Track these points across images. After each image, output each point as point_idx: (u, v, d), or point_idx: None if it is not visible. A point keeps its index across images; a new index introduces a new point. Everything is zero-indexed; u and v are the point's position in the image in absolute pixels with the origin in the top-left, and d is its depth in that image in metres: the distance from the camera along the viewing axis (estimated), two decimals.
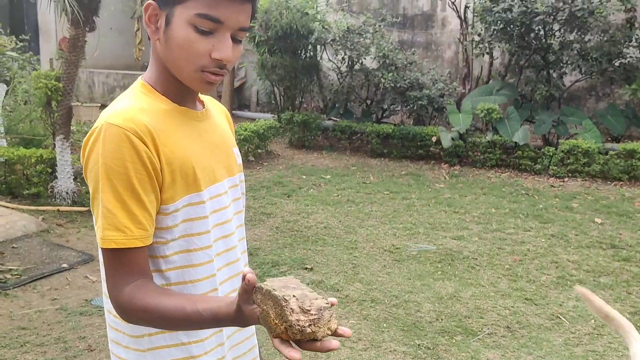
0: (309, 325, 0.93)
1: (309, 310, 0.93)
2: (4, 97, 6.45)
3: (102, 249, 1.12)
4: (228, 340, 1.30)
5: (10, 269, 4.21)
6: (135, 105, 1.15)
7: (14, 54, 7.26)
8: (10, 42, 7.57)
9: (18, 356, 3.18)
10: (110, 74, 12.04)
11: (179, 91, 1.21)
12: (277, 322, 0.94)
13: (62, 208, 5.40)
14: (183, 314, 1.06)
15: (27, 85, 6.43)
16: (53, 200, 5.52)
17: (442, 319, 3.74)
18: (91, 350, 3.28)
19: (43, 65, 9.80)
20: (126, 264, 1.11)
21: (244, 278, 0.97)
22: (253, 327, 1.39)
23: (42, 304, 3.81)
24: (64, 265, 4.37)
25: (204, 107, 1.30)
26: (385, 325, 3.66)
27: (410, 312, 3.84)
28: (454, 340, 3.50)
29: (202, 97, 1.33)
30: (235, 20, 1.12)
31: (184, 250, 1.19)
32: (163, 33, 1.14)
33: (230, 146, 1.34)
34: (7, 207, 5.32)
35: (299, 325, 0.92)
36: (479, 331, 3.61)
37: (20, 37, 8.08)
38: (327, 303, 0.97)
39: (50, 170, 5.51)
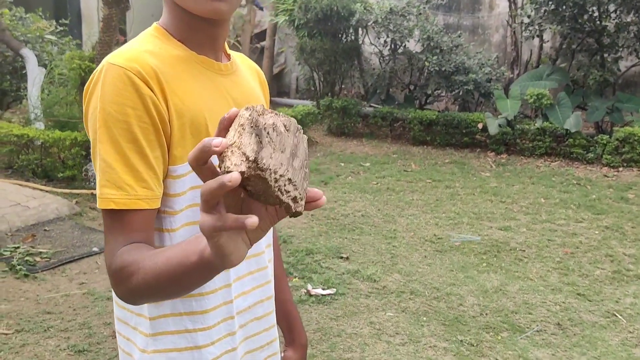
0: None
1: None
2: (43, 80, 6.43)
3: (102, 210, 0.95)
4: (241, 330, 1.11)
5: (40, 252, 4.13)
6: (146, 47, 1.00)
7: (53, 37, 7.25)
8: (50, 26, 7.58)
9: (41, 341, 3.08)
10: None
11: (197, 36, 1.04)
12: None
13: (96, 191, 5.32)
14: (176, 264, 0.83)
15: (63, 68, 6.38)
16: (87, 183, 5.46)
17: (486, 314, 3.52)
18: (115, 337, 3.15)
19: (86, 50, 9.81)
20: (126, 228, 0.93)
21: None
22: (273, 319, 1.20)
23: (69, 288, 3.71)
24: (95, 248, 4.28)
25: (229, 61, 1.13)
26: (425, 319, 3.45)
27: (453, 305, 3.61)
28: (499, 337, 3.26)
29: (232, 52, 1.16)
30: None
31: (191, 222, 1.01)
32: None
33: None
34: (41, 190, 5.27)
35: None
36: (527, 328, 3.37)
37: (60, 21, 8.08)
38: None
39: (84, 153, 5.45)
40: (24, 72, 6.75)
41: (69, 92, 5.93)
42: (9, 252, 4.06)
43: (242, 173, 0.63)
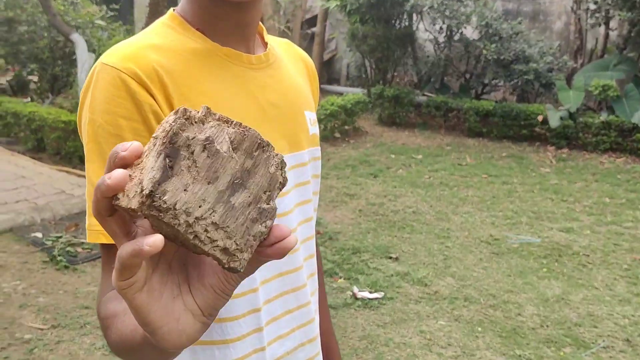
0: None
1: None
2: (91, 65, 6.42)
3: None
4: (268, 327, 0.90)
5: (82, 242, 4.06)
6: (148, 40, 0.81)
7: (102, 22, 7.24)
8: (100, 11, 7.58)
9: (76, 338, 2.98)
10: None
11: (222, 24, 0.85)
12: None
13: None
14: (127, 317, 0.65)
15: None
16: None
17: (547, 326, 3.26)
18: None
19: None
20: (110, 265, 0.73)
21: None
22: (312, 309, 0.97)
23: None
24: None
25: (266, 51, 0.92)
26: (479, 329, 3.20)
27: (510, 315, 3.36)
28: (561, 353, 3.01)
29: (272, 39, 0.97)
30: None
31: None
32: None
33: (301, 108, 0.95)
34: None
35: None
36: (592, 343, 3.09)
37: (111, 6, 8.09)
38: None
39: None
40: (74, 57, 6.76)
41: None
42: (50, 242, 4.00)
43: (132, 210, 0.44)
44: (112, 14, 7.91)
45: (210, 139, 0.46)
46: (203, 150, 0.46)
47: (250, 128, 0.49)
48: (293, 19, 9.79)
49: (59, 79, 7.34)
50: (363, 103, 7.75)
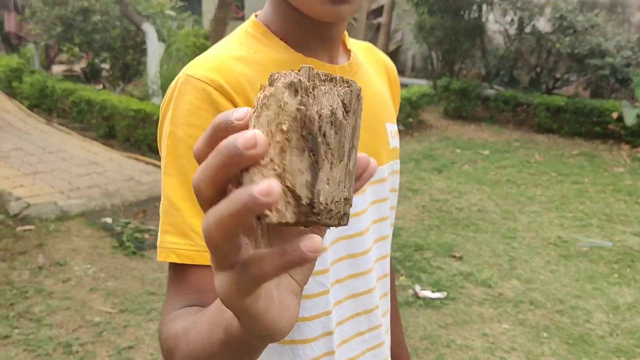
0: None
1: None
2: (162, 55, 6.58)
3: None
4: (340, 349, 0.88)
5: (149, 229, 4.18)
6: (236, 52, 0.79)
7: (172, 13, 7.41)
8: (170, 1, 7.76)
9: (142, 323, 3.08)
10: None
11: (305, 33, 0.82)
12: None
13: None
14: (194, 331, 0.60)
15: (180, 44, 6.49)
16: None
17: (617, 335, 3.13)
18: None
19: (205, 26, 10.03)
20: (187, 287, 0.72)
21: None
22: (383, 331, 0.94)
23: None
24: None
25: (349, 60, 0.89)
26: (545, 334, 3.11)
27: (578, 322, 3.25)
28: None
29: (356, 45, 0.95)
30: None
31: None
32: None
33: (382, 121, 0.92)
34: (156, 165, 5.38)
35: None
36: None
37: None
38: None
39: None
40: (144, 46, 6.96)
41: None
42: (120, 228, 4.14)
43: (284, 224, 0.38)
44: (181, 4, 8.08)
45: (334, 110, 0.40)
46: (331, 128, 0.40)
47: (349, 80, 0.42)
48: (359, 9, 9.74)
49: (130, 67, 7.57)
50: (428, 96, 7.67)
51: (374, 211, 0.89)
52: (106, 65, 8.32)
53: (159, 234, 0.75)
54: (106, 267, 3.67)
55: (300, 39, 0.82)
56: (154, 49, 6.46)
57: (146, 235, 4.12)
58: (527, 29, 8.04)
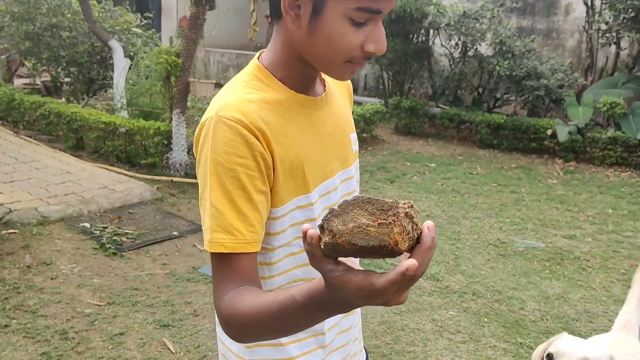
0: (412, 207, 0.75)
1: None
2: (128, 71, 6.83)
3: (210, 253, 1.01)
4: (331, 344, 1.21)
5: (127, 233, 4.47)
6: (249, 95, 1.05)
7: (138, 30, 7.67)
8: (136, 19, 8.01)
9: (130, 314, 3.38)
10: (225, 53, 12.45)
11: (302, 78, 1.10)
12: (379, 220, 0.73)
13: (175, 179, 5.68)
14: (278, 303, 0.88)
15: (148, 61, 6.76)
16: (167, 170, 5.80)
17: (547, 320, 3.58)
18: (196, 316, 3.43)
19: (163, 42, 10.30)
20: (234, 270, 0.99)
21: (304, 236, 0.77)
22: (359, 331, 1.31)
23: (153, 268, 4.02)
24: (175, 233, 4.59)
25: (325, 90, 1.16)
26: (485, 320, 3.55)
27: (514, 309, 3.70)
28: None
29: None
30: (390, 7, 0.99)
31: (289, 255, 1.11)
32: (308, 23, 1.00)
33: (347, 132, 1.21)
34: (126, 175, 5.65)
35: (406, 205, 0.74)
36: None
37: (145, 14, 8.52)
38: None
39: (166, 142, 5.79)
40: (111, 62, 7.19)
41: (153, 84, 6.31)
42: (98, 231, 4.42)
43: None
44: (146, 22, 8.34)
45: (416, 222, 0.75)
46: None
47: (413, 205, 0.75)
48: None
49: (95, 81, 7.76)
50: (381, 113, 8.07)
51: (344, 197, 1.20)
52: (68, 79, 8.46)
53: (208, 234, 0.99)
54: (90, 266, 3.95)
55: (295, 80, 1.09)
56: (122, 65, 6.72)
57: (124, 238, 4.41)
58: (470, 53, 8.51)
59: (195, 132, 1.06)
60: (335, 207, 0.75)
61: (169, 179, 5.70)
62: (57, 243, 4.23)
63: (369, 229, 0.73)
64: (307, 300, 0.84)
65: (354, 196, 0.76)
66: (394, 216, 0.73)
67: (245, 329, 0.94)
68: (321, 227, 0.75)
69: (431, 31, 8.85)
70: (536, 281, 4.09)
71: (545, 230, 5.05)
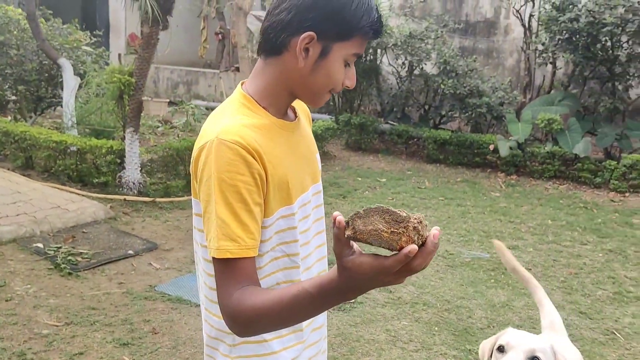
0: (420, 223, 0.95)
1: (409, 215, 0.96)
2: (78, 89, 6.78)
3: (215, 259, 1.15)
4: (307, 339, 1.37)
5: (81, 252, 4.46)
6: (242, 121, 1.20)
7: (88, 48, 7.63)
8: (85, 37, 7.96)
9: (88, 334, 3.40)
10: (175, 70, 12.43)
11: (284, 105, 1.30)
12: (392, 229, 0.93)
13: (128, 197, 5.67)
14: (290, 296, 1.06)
15: (100, 79, 6.75)
16: (120, 189, 5.79)
17: (493, 326, 3.76)
18: (155, 333, 3.47)
19: (112, 60, 10.22)
20: (238, 272, 1.14)
21: (334, 222, 0.97)
22: (325, 329, 1.46)
23: (109, 287, 4.03)
24: (130, 251, 4.60)
25: (296, 116, 1.36)
26: (436, 328, 3.72)
27: (462, 317, 3.87)
28: None
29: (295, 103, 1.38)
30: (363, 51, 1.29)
31: (273, 259, 1.26)
32: (313, 62, 1.21)
33: (314, 152, 1.40)
34: (79, 194, 5.61)
35: (416, 220, 0.94)
36: None
37: (94, 32, 8.48)
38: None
39: (119, 161, 5.79)
40: (60, 80, 7.11)
41: (105, 102, 6.29)
42: (52, 252, 4.39)
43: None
44: (95, 39, 8.29)
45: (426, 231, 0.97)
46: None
47: (420, 218, 0.96)
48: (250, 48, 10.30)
49: (44, 99, 7.66)
50: (332, 129, 8.27)
51: (316, 213, 1.39)
52: (14, 97, 8.31)
53: (215, 242, 1.13)
54: (45, 286, 3.93)
55: (277, 108, 1.27)
56: (72, 84, 6.67)
57: (79, 258, 4.39)
58: (417, 72, 8.82)
59: (194, 154, 1.21)
60: (361, 210, 0.97)
61: (122, 197, 5.69)
62: (10, 264, 4.18)
63: (383, 234, 0.94)
64: (319, 290, 1.04)
65: (377, 205, 0.97)
66: (404, 228, 0.94)
67: (253, 322, 1.11)
68: (347, 223, 0.97)
69: (379, 51, 9.12)
70: (482, 290, 4.29)
71: (489, 241, 5.27)
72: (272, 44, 1.23)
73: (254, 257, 1.17)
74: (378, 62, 9.25)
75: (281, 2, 1.22)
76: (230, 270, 1.14)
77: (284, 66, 1.23)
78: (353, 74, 1.27)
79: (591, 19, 7.23)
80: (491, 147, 7.71)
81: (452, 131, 8.46)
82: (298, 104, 1.40)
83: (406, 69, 8.91)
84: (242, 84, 1.31)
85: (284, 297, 1.07)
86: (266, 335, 1.27)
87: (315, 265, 1.39)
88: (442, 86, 8.19)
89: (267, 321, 1.11)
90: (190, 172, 1.26)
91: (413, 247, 0.93)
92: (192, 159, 1.23)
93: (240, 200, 1.14)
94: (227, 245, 1.13)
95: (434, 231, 0.97)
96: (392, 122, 9.10)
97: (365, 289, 1.03)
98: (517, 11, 8.75)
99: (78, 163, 5.95)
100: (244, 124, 1.20)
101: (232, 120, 1.21)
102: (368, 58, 9.04)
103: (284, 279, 1.29)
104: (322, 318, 1.44)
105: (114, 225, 5.15)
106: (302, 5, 1.19)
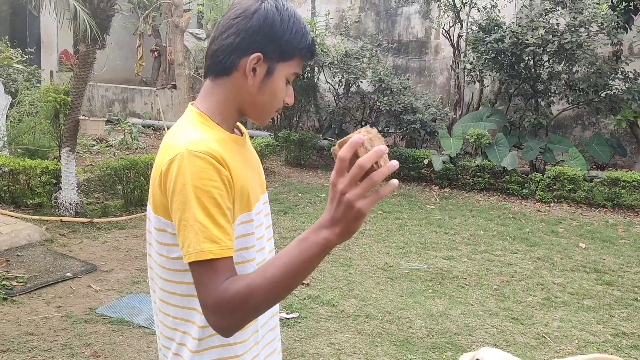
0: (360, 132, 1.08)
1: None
2: (9, 108, 6.58)
3: (195, 262, 1.19)
4: (262, 340, 1.44)
5: (16, 276, 4.34)
6: (205, 134, 1.29)
7: (20, 66, 7.42)
8: (16, 55, 7.74)
9: None
10: (110, 87, 12.20)
11: (233, 122, 1.39)
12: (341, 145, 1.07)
13: (65, 218, 5.54)
14: (278, 256, 1.14)
15: (32, 98, 6.58)
16: (56, 210, 5.65)
17: (432, 336, 3.90)
18: (97, 357, 3.42)
19: (44, 77, 9.94)
20: (220, 271, 1.19)
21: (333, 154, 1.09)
22: (279, 331, 1.54)
23: (47, 311, 3.93)
24: (68, 274, 4.50)
25: (241, 132, 1.46)
26: (378, 340, 3.82)
27: (403, 328, 3.99)
28: (444, 356, 3.65)
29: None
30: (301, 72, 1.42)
31: (238, 262, 1.31)
32: (260, 81, 1.32)
33: (260, 165, 1.52)
34: (12, 216, 5.44)
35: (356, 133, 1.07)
36: (468, 348, 3.75)
37: (25, 50, 8.25)
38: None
39: (54, 181, 5.65)
40: None
41: (40, 122, 6.14)
42: None
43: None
44: (26, 57, 8.07)
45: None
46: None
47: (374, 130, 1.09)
48: (203, 65, 10.29)
49: None
50: (271, 146, 8.35)
51: (267, 220, 1.49)
52: None
53: (196, 245, 1.19)
54: None
55: (227, 124, 1.36)
56: (2, 103, 6.47)
57: (14, 282, 4.27)
58: (353, 89, 9.07)
59: (162, 168, 1.26)
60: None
61: (58, 218, 5.56)
62: None
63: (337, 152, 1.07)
64: (307, 232, 1.13)
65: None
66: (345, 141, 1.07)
67: (246, 301, 1.15)
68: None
69: (316, 69, 9.31)
70: (421, 300, 4.43)
71: (426, 252, 5.48)
72: (222, 65, 1.32)
73: (232, 256, 1.23)
74: (316, 80, 9.45)
75: (228, 27, 1.32)
76: (214, 270, 1.19)
77: (233, 85, 1.33)
78: (292, 92, 1.39)
79: (515, 39, 7.65)
80: (425, 161, 7.99)
81: (388, 146, 8.61)
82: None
83: (343, 86, 9.14)
84: (192, 104, 1.40)
85: (273, 260, 1.15)
86: (230, 339, 1.31)
87: None
88: (378, 103, 8.45)
89: (260, 297, 1.15)
90: (155, 186, 1.30)
91: (334, 148, 1.08)
92: (158, 173, 1.28)
93: (215, 205, 1.21)
94: (209, 247, 1.19)
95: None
96: (330, 138, 9.27)
97: (339, 212, 1.08)
98: (447, 32, 9.13)
99: (10, 184, 5.77)
100: (206, 137, 1.28)
101: (196, 133, 1.29)
102: (306, 76, 9.19)
103: None
104: (275, 320, 1.52)
105: (51, 247, 5.03)
106: (250, 30, 1.30)
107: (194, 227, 1.20)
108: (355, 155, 1.04)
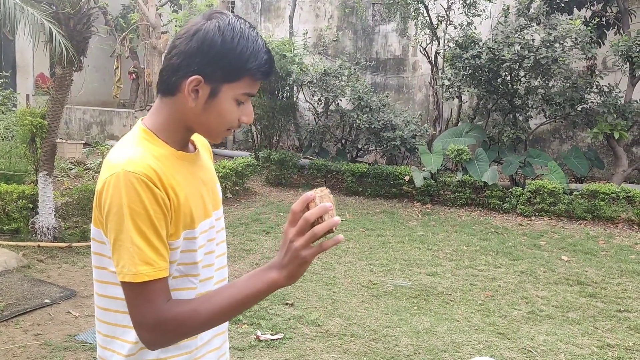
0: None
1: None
2: None
3: (130, 283, 1.22)
4: (207, 345, 1.45)
5: None
6: (144, 152, 1.28)
7: None
8: None
9: None
10: (87, 110, 12.11)
11: (182, 139, 1.38)
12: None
13: (42, 244, 5.43)
14: (228, 293, 1.25)
15: (8, 122, 6.48)
16: (34, 236, 5.54)
17: (419, 353, 3.87)
18: None
19: (19, 101, 9.83)
20: (153, 293, 1.23)
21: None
22: (225, 350, 1.54)
23: (25, 340, 3.83)
24: (46, 300, 4.40)
25: (195, 148, 1.46)
26: (365, 359, 3.78)
27: (389, 346, 3.96)
28: None
29: (194, 137, 1.47)
30: (256, 91, 1.39)
31: (177, 276, 1.34)
32: (204, 102, 1.31)
33: (215, 182, 1.50)
34: None
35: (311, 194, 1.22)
36: None
37: (0, 73, 8.15)
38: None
39: (31, 206, 5.55)
40: None
41: (16, 146, 6.04)
42: None
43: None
44: (1, 80, 7.97)
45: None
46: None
47: (325, 190, 1.23)
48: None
49: None
50: (252, 166, 8.31)
51: (218, 237, 1.47)
52: None
53: (131, 267, 1.22)
54: None
55: (175, 141, 1.35)
56: None
57: None
58: (332, 107, 9.11)
59: (98, 186, 1.28)
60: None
61: (35, 244, 5.45)
62: None
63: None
64: (253, 272, 1.26)
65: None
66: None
67: (181, 330, 1.25)
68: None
69: (295, 87, 9.35)
70: (407, 318, 4.40)
71: (410, 269, 5.46)
72: (166, 85, 1.32)
73: (167, 277, 1.27)
74: (295, 99, 9.46)
75: (172, 48, 1.32)
76: (148, 292, 1.23)
77: (177, 105, 1.33)
78: (250, 111, 1.37)
79: (491, 55, 7.75)
80: (406, 178, 8.02)
81: (369, 164, 8.74)
82: (198, 138, 1.49)
83: (322, 105, 9.18)
84: (142, 120, 1.40)
85: (221, 290, 1.26)
86: (173, 351, 1.34)
87: (214, 287, 1.46)
88: (358, 121, 8.48)
89: (203, 318, 1.24)
90: (94, 203, 1.31)
91: (293, 206, 1.21)
92: (96, 191, 1.29)
93: (151, 227, 1.23)
94: (144, 270, 1.22)
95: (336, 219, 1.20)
96: (310, 157, 9.30)
97: (287, 258, 1.21)
98: (424, 49, 9.23)
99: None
100: (145, 155, 1.28)
101: (134, 151, 1.29)
102: (285, 95, 9.21)
103: (186, 296, 1.35)
104: (220, 340, 1.50)
105: (28, 273, 4.92)
106: (189, 51, 1.28)
107: (129, 249, 1.22)
108: (307, 210, 1.20)
